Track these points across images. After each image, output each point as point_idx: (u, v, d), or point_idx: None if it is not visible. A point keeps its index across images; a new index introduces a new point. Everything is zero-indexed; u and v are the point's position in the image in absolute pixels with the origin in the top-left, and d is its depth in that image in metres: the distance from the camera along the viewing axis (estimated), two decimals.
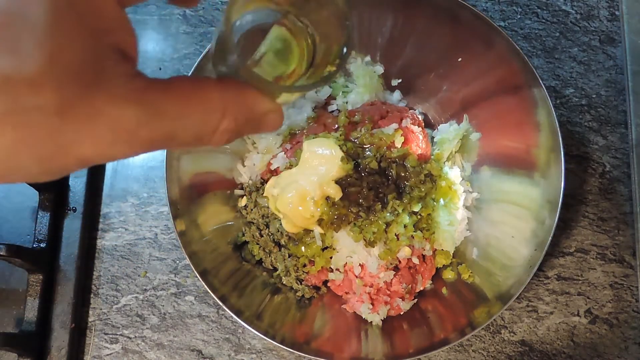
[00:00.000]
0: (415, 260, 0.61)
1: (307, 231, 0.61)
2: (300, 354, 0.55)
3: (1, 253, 0.59)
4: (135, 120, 0.23)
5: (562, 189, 0.55)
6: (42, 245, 0.65)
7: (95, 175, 0.70)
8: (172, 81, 0.25)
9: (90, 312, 0.66)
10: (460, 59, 0.63)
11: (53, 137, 0.22)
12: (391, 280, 0.61)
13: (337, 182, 0.58)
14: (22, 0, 0.21)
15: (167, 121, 0.24)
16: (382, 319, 0.62)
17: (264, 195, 0.63)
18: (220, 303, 0.54)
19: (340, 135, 0.61)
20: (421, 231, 0.61)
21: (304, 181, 0.58)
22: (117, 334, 0.65)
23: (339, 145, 0.59)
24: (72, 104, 0.22)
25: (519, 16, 0.75)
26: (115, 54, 0.24)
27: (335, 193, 0.58)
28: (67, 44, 0.21)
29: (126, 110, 0.23)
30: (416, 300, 0.63)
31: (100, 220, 0.69)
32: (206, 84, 0.27)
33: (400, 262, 0.61)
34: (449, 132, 0.66)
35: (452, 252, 0.64)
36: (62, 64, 0.21)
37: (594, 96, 0.72)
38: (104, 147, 0.23)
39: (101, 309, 0.66)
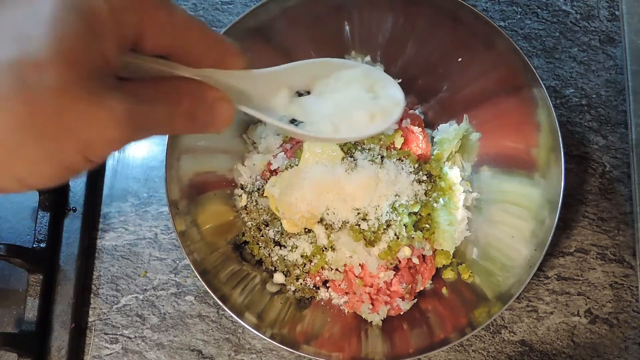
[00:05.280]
0: (415, 260, 0.61)
1: (308, 231, 0.61)
2: (300, 354, 0.55)
3: (1, 253, 0.59)
4: (126, 104, 0.26)
5: (562, 189, 0.55)
6: (42, 245, 0.65)
7: (95, 175, 0.70)
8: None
9: (90, 312, 0.66)
10: (460, 59, 0.63)
11: (60, 117, 0.24)
12: (391, 280, 0.61)
13: None
14: None
15: (146, 106, 0.28)
16: (382, 319, 0.62)
17: (264, 195, 0.63)
18: (220, 303, 0.54)
19: None
20: (421, 231, 0.61)
21: (304, 181, 0.58)
22: (117, 334, 0.65)
23: (339, 146, 0.59)
24: (75, 86, 0.24)
25: (519, 16, 0.75)
26: (106, 52, 0.26)
27: None
28: (70, 33, 0.24)
29: (119, 95, 0.26)
30: (416, 300, 0.63)
31: (100, 220, 0.69)
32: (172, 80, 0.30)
33: (400, 262, 0.61)
34: (449, 132, 0.66)
35: (452, 252, 0.64)
36: (65, 50, 0.23)
37: (594, 96, 0.72)
38: (107, 130, 0.25)
39: (101, 309, 0.66)
